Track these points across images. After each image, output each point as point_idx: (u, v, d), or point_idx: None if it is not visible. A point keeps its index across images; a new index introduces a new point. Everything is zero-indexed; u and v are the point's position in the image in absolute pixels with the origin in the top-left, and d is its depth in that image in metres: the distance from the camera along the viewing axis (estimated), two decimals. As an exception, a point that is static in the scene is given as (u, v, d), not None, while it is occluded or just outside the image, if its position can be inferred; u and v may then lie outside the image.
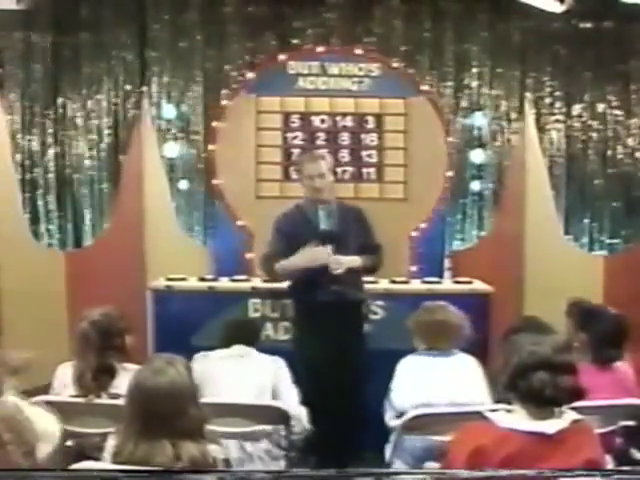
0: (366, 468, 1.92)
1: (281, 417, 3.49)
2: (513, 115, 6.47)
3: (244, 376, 3.64)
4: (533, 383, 2.45)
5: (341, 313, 4.38)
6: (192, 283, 5.01)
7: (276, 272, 4.46)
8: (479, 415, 2.60)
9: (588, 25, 6.33)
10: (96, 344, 3.33)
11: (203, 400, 2.68)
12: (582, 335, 3.60)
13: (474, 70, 6.49)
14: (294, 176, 5.99)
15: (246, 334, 3.88)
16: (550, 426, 2.46)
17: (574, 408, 2.55)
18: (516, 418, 2.50)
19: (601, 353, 3.53)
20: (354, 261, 4.41)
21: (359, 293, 4.57)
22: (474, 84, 6.49)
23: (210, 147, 6.12)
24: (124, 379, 2.88)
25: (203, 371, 3.44)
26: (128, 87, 6.39)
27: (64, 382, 3.40)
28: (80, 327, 3.37)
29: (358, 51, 6.09)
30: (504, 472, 2.34)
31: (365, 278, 4.68)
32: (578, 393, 2.50)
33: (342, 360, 4.35)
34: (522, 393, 2.49)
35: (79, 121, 6.39)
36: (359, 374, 4.37)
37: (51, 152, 6.38)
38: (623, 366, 3.61)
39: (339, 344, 4.34)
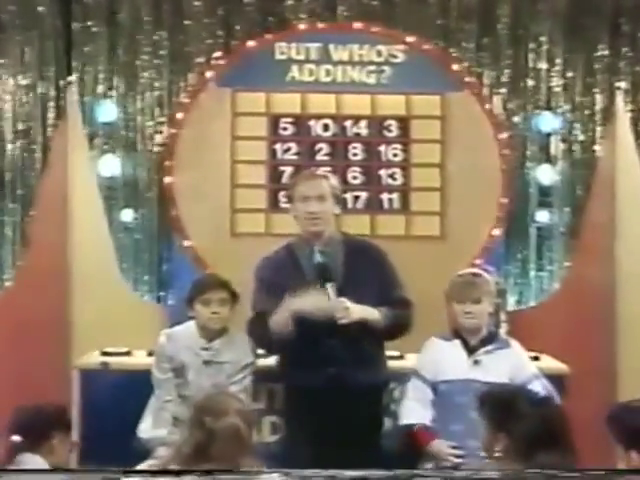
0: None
1: None
2: (598, 114, 6.52)
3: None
4: None
5: (346, 404, 4.35)
6: (139, 359, 5.06)
7: (270, 337, 4.50)
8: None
9: None
10: None
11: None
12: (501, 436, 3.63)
13: (540, 51, 6.51)
14: (285, 204, 5.99)
15: None
16: None
17: None
18: None
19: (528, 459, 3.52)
20: (367, 312, 4.40)
21: (376, 372, 4.53)
22: (541, 71, 6.53)
23: (167, 162, 6.15)
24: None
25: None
26: (47, 75, 6.41)
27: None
28: None
29: (375, 28, 6.15)
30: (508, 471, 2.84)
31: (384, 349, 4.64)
32: None
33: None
34: None
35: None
36: None
37: None
38: None
39: (347, 452, 4.20)
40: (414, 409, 4.52)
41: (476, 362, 4.50)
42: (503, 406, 3.61)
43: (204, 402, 3.64)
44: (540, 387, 4.41)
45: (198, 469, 2.78)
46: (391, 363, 4.75)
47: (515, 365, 4.52)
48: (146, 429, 4.71)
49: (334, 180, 4.73)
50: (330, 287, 4.37)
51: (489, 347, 4.53)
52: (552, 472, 2.47)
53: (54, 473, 2.51)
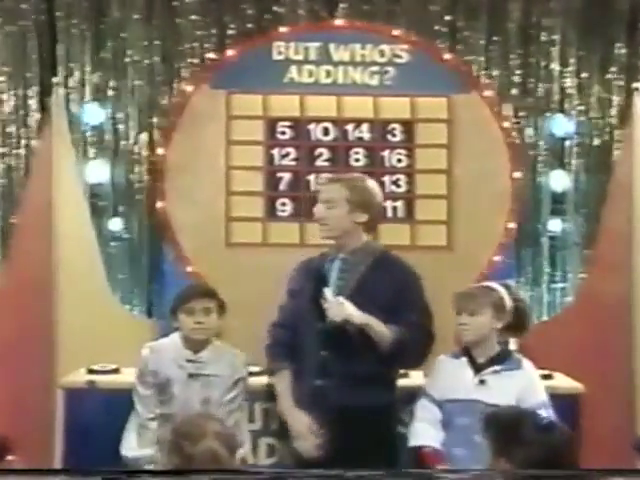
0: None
1: None
2: (614, 117, 6.52)
3: None
4: None
5: (349, 425, 4.37)
6: (127, 377, 5.04)
7: (277, 351, 4.67)
8: None
9: None
10: None
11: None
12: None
13: (553, 50, 6.49)
14: (282, 212, 6.12)
15: None
16: None
17: None
18: None
19: None
20: (370, 319, 4.41)
21: (382, 392, 4.52)
22: (554, 72, 6.50)
23: (158, 168, 6.14)
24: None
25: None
26: (30, 76, 6.39)
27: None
28: None
29: (378, 27, 6.17)
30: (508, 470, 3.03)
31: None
32: None
33: None
34: None
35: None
36: None
37: None
38: None
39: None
40: (423, 430, 4.52)
41: (481, 382, 4.50)
42: (507, 429, 3.50)
43: (181, 426, 3.67)
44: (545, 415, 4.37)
45: (200, 469, 2.89)
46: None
47: (524, 389, 4.49)
48: (131, 448, 4.71)
49: (365, 183, 4.73)
50: (327, 291, 4.43)
51: (497, 367, 4.52)
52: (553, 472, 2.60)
53: (53, 473, 2.62)
